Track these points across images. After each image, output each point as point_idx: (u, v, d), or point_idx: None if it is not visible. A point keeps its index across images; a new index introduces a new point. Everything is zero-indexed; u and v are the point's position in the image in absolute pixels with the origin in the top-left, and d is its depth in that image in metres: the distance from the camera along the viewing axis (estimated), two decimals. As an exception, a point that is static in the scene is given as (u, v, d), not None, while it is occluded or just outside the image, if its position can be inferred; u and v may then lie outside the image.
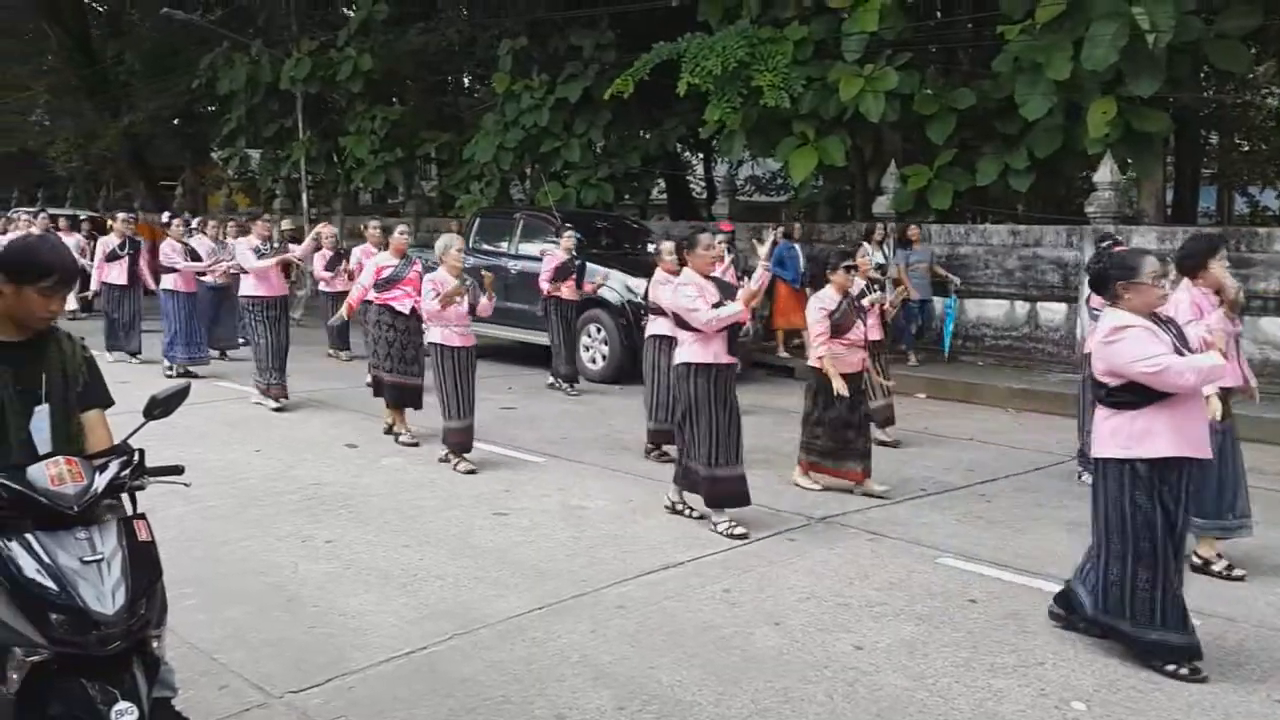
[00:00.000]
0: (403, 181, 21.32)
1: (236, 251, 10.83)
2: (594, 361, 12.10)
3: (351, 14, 21.46)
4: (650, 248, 8.00)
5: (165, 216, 13.08)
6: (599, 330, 12.15)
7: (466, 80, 24.96)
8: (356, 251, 11.73)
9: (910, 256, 13.02)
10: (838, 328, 6.99)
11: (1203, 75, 14.90)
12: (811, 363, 7.19)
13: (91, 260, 14.35)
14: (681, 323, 6.27)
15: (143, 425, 3.29)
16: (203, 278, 12.63)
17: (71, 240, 16.64)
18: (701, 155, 24.82)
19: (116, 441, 3.24)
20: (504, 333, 13.06)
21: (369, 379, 10.35)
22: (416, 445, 8.40)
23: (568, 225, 12.06)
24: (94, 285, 13.50)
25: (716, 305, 6.11)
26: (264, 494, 6.92)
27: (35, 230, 14.32)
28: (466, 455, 7.70)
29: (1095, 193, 12.23)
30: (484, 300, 7.83)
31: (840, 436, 7.08)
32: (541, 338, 12.31)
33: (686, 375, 6.23)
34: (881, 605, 5.05)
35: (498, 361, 12.83)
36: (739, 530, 6.10)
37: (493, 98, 18.93)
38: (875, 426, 8.04)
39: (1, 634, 2.82)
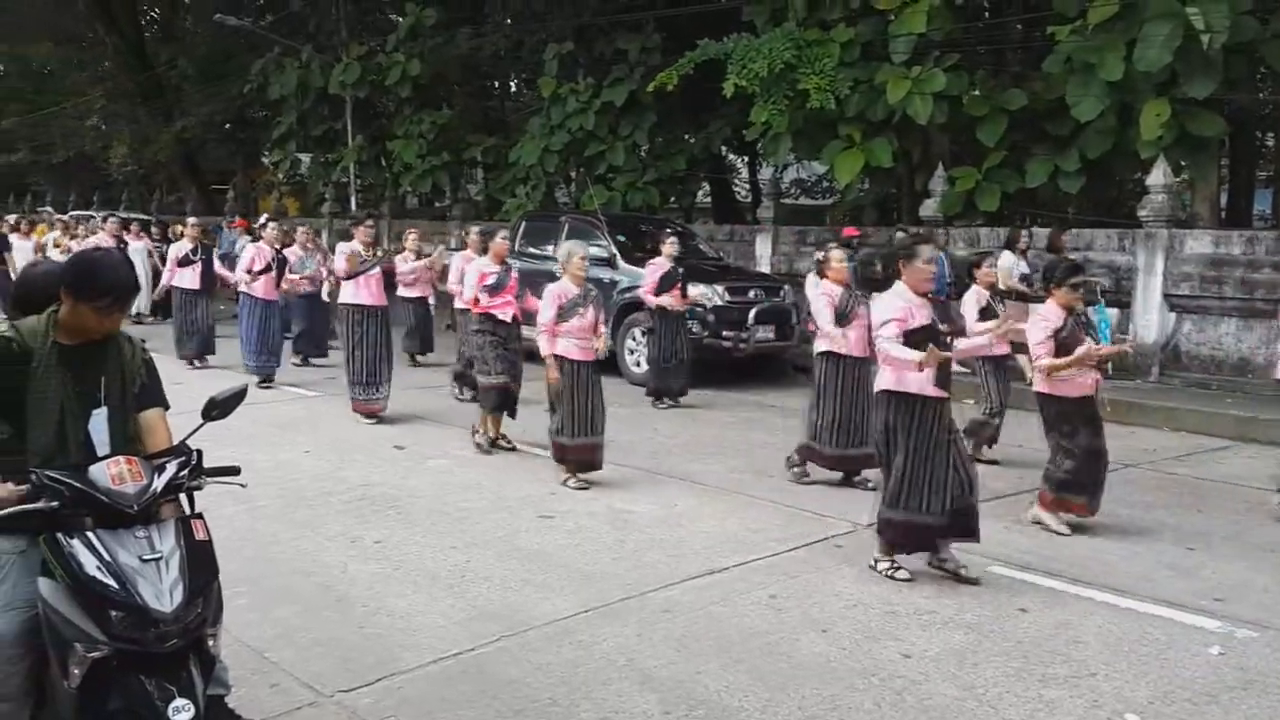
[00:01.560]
0: (449, 185, 21.50)
1: (336, 256, 10.30)
2: (638, 365, 12.10)
3: (400, 20, 21.66)
4: (818, 255, 7.65)
5: (263, 219, 12.78)
6: (643, 333, 12.14)
7: (513, 85, 25.10)
8: (456, 258, 11.14)
9: None
10: (1064, 347, 6.18)
11: (1259, 76, 14.62)
12: (1037, 388, 6.41)
13: (162, 264, 14.57)
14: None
15: (201, 426, 3.35)
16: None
17: (140, 244, 16.85)
18: (746, 158, 24.77)
19: (175, 441, 3.31)
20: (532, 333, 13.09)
21: (456, 388, 10.48)
22: (490, 454, 8.27)
23: (669, 230, 11.63)
24: (161, 286, 13.51)
25: (924, 330, 5.30)
26: (313, 494, 7.00)
27: (106, 234, 14.49)
28: (582, 475, 7.29)
29: (1148, 195, 12.04)
30: (601, 327, 7.39)
31: (1090, 466, 6.30)
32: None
33: (885, 405, 5.47)
34: (930, 613, 5.00)
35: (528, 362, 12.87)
36: (903, 575, 5.45)
37: (538, 101, 19.04)
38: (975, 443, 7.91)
39: (64, 630, 2.88)
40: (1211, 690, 4.22)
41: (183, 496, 3.20)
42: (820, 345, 7.35)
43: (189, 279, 12.87)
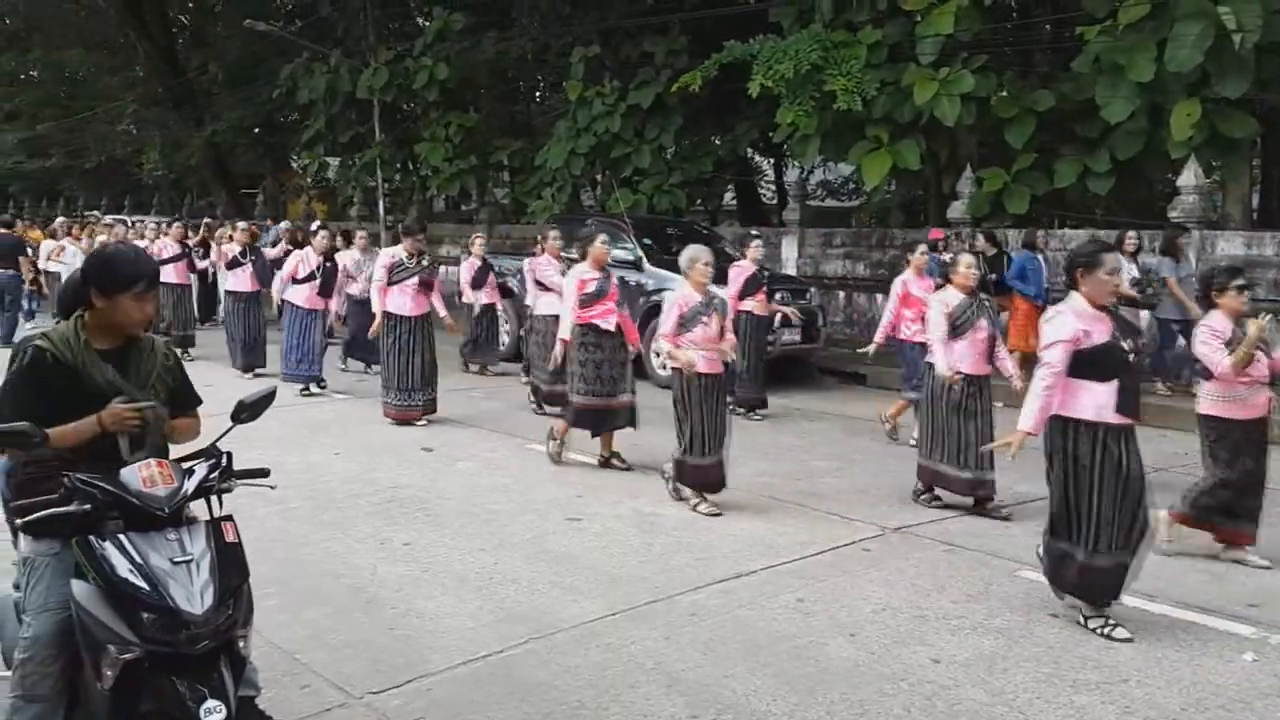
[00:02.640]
0: (476, 188, 21.59)
1: (376, 264, 10.05)
2: (664, 368, 12.08)
3: (427, 24, 21.79)
4: (945, 257, 7.32)
5: (314, 225, 12.38)
6: None
7: (539, 89, 25.17)
8: (526, 263, 10.95)
9: (1179, 269, 10.87)
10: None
11: (1292, 75, 14.44)
12: (1204, 410, 5.87)
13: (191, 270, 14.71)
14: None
15: (230, 429, 3.39)
16: (348, 291, 12.22)
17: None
18: (772, 160, 24.73)
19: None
20: None
21: (531, 397, 10.24)
22: (560, 463, 7.95)
23: (753, 234, 11.21)
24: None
25: (1104, 349, 4.77)
26: (343, 496, 7.05)
27: (171, 239, 14.59)
28: (709, 496, 6.79)
29: (1178, 196, 11.93)
30: (728, 344, 6.98)
31: (1246, 495, 5.83)
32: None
33: (1062, 432, 4.88)
34: (959, 618, 4.97)
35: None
36: (1121, 634, 4.77)
37: (565, 104, 19.08)
38: None
39: (97, 632, 2.91)
40: (1245, 697, 4.18)
41: (213, 498, 3.24)
42: (933, 357, 6.87)
43: (240, 281, 12.60)
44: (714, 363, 6.80)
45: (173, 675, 2.92)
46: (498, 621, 4.87)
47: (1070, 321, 4.78)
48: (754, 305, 10.11)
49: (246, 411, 3.40)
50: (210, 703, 2.89)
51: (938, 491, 6.99)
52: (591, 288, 7.84)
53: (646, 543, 6.12)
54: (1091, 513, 4.79)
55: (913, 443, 8.41)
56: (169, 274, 13.62)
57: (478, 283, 12.44)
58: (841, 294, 15.07)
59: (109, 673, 2.90)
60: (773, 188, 26.00)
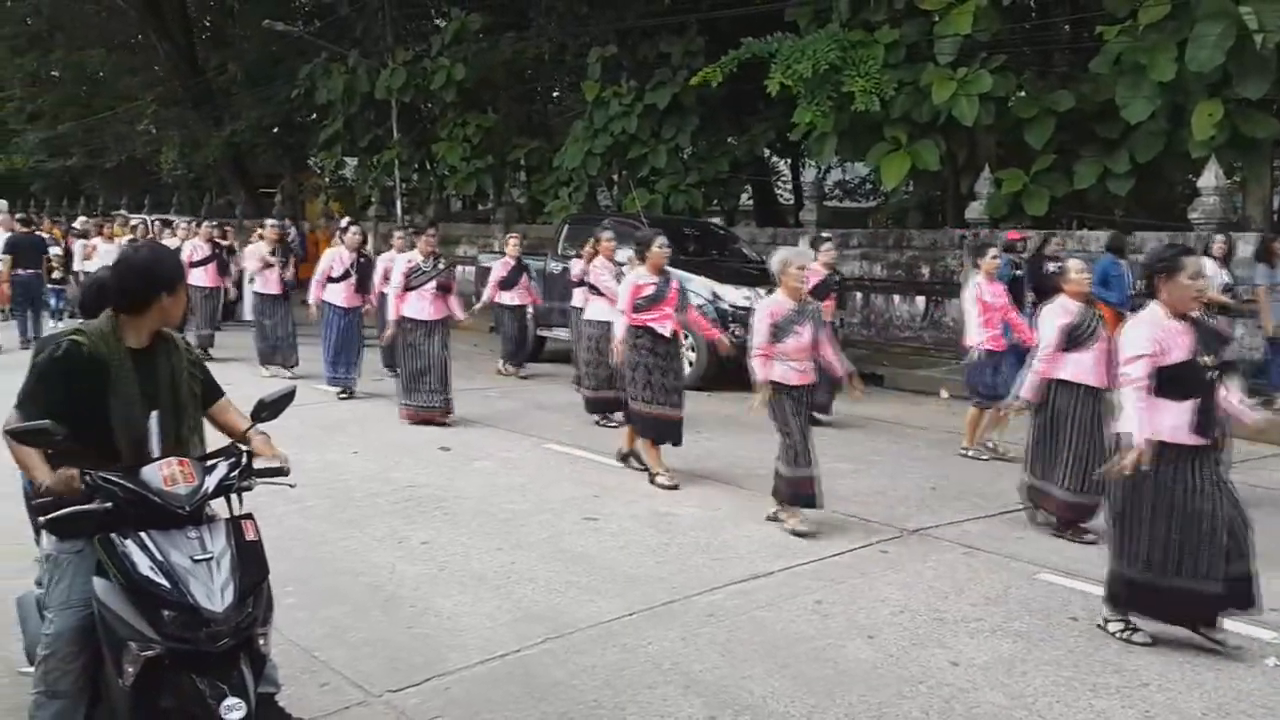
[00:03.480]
0: (493, 188, 21.62)
1: (394, 268, 9.98)
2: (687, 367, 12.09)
3: (445, 25, 21.85)
4: (1051, 266, 6.82)
5: (344, 223, 12.09)
6: (686, 336, 12.12)
7: (555, 89, 25.21)
8: (576, 265, 10.71)
9: (1276, 275, 10.33)
10: None
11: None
12: None
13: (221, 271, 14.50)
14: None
15: (250, 428, 3.41)
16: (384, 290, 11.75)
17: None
18: (789, 160, 24.69)
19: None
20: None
21: (583, 400, 9.94)
22: (676, 488, 7.33)
23: (825, 236, 10.90)
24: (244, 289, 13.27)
25: (1185, 367, 4.53)
26: (362, 495, 7.07)
27: (201, 239, 14.37)
28: (803, 511, 6.42)
29: (1199, 198, 11.85)
30: (833, 357, 6.65)
31: None
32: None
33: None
34: (978, 621, 4.95)
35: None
36: (1141, 638, 4.72)
37: (581, 105, 19.10)
38: None
39: (118, 629, 2.94)
40: (1267, 702, 4.15)
41: (233, 496, 3.26)
42: (1056, 370, 6.38)
43: (268, 283, 12.49)
44: (806, 374, 6.44)
45: (193, 672, 2.94)
46: (515, 621, 4.87)
47: (1149, 334, 4.56)
48: (825, 310, 9.65)
49: (267, 410, 3.42)
50: (230, 700, 2.91)
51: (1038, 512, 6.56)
52: (649, 292, 7.55)
53: (663, 543, 6.11)
54: (1155, 534, 4.60)
55: (985, 457, 8.36)
56: (199, 277, 13.59)
57: (510, 283, 12.28)
58: (859, 295, 15.03)
59: (130, 669, 2.92)
60: (789, 188, 25.96)
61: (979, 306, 8.20)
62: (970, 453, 8.44)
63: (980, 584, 5.48)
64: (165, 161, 29.91)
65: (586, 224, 14.46)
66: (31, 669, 3.30)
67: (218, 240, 14.77)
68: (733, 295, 11.81)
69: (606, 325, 8.98)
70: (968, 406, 8.67)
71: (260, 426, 3.44)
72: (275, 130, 28.63)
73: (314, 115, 25.53)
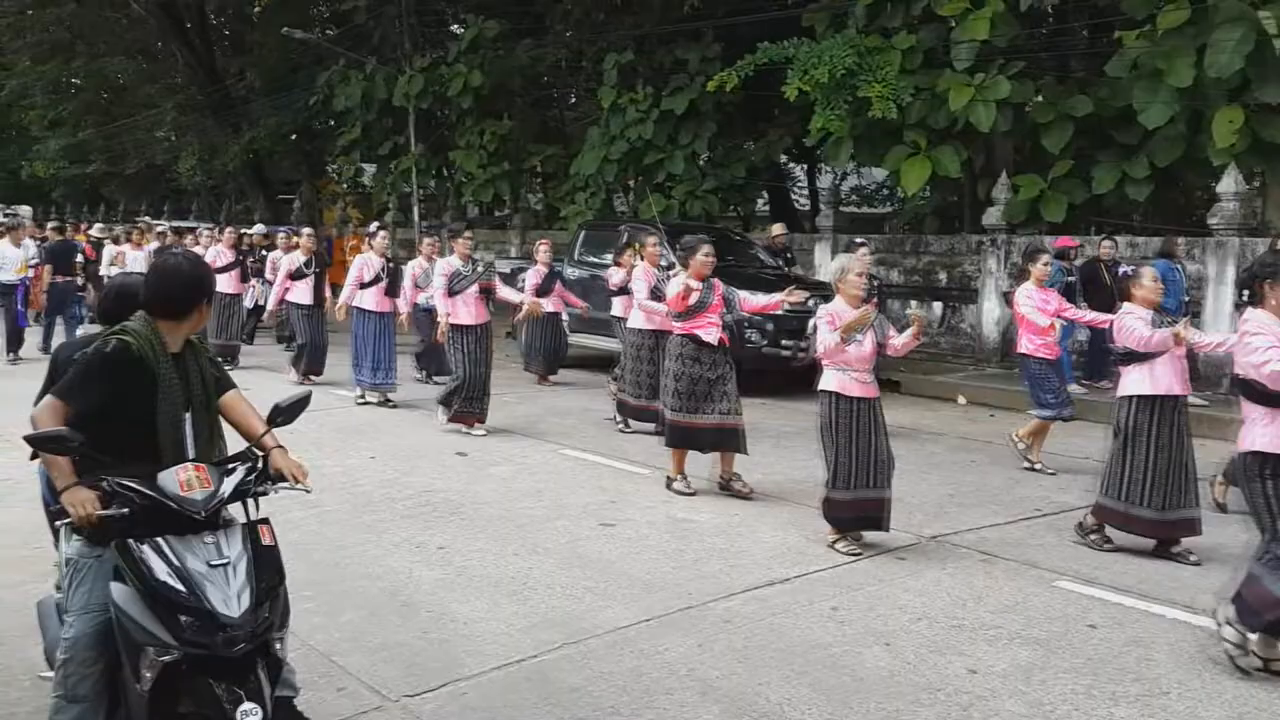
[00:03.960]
0: (509, 194, 21.70)
1: (434, 273, 9.78)
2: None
3: (462, 31, 21.94)
4: (1122, 270, 6.46)
5: (373, 227, 11.92)
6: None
7: (572, 95, 25.28)
8: (617, 273, 10.38)
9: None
10: None
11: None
12: None
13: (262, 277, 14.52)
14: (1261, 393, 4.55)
15: (266, 432, 3.42)
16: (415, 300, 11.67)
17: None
18: (805, 166, 24.67)
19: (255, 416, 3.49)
20: (599, 343, 13.09)
21: (618, 414, 9.75)
22: (693, 494, 7.29)
23: (860, 241, 10.45)
24: (271, 304, 13.04)
25: None
26: (379, 500, 7.09)
27: (224, 246, 14.22)
28: (856, 536, 6.12)
29: (1218, 203, 11.78)
30: (904, 338, 6.24)
31: None
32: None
33: (1258, 472, 4.51)
34: (996, 628, 4.93)
35: (594, 370, 12.90)
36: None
37: (598, 111, 19.13)
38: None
39: (136, 634, 2.95)
40: (1290, 712, 4.11)
41: (250, 501, 3.28)
42: (1130, 384, 6.03)
43: (303, 293, 12.23)
44: (868, 386, 6.10)
45: (210, 677, 2.95)
46: (532, 626, 4.87)
47: (1269, 339, 4.45)
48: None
49: (282, 415, 3.43)
50: (247, 705, 2.92)
51: (1109, 531, 6.22)
52: (694, 299, 7.30)
53: (679, 548, 6.10)
54: None
55: (1039, 466, 8.13)
56: (222, 283, 13.21)
57: (544, 290, 11.96)
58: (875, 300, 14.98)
59: (147, 674, 2.94)
60: (805, 193, 25.94)
61: (1028, 314, 7.95)
62: (1038, 467, 8.14)
63: (998, 591, 5.45)
64: (185, 168, 30.11)
65: (602, 230, 14.52)
66: (51, 673, 3.32)
67: (239, 246, 14.68)
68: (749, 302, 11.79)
69: (653, 334, 9.12)
70: (1030, 418, 8.32)
71: (277, 433, 3.45)
72: (293, 137, 28.80)
73: (332, 122, 25.69)
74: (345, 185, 28.09)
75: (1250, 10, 10.79)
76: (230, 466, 3.26)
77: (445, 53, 21.40)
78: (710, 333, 7.34)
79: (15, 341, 13.59)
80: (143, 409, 3.17)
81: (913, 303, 11.16)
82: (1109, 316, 6.87)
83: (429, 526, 6.48)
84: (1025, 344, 8.13)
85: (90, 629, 3.13)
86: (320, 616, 4.92)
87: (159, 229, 20.10)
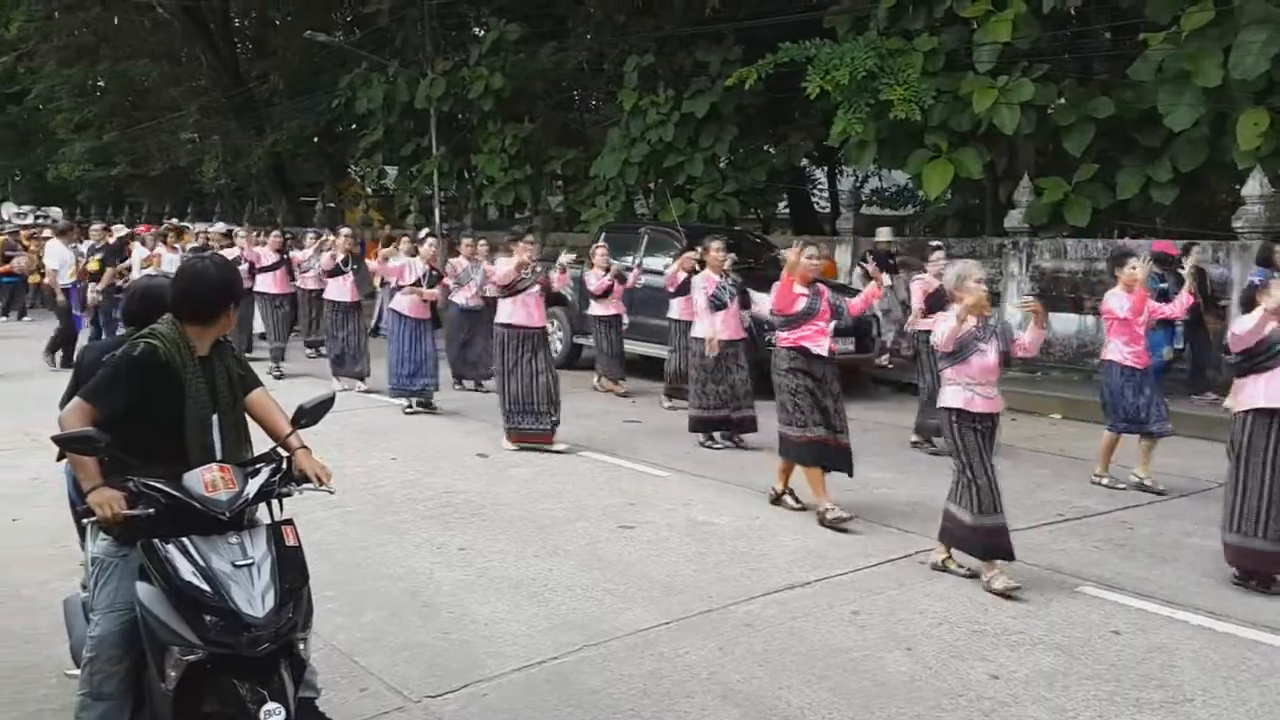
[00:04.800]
0: (530, 197, 21.74)
1: (495, 271, 9.25)
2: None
3: (483, 34, 22.00)
4: (1249, 279, 6.10)
5: (423, 233, 11.52)
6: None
7: (594, 100, 25.31)
8: (698, 280, 9.27)
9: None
10: None
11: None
12: None
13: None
14: None
15: (291, 433, 3.44)
16: (453, 299, 11.80)
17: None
18: (825, 168, 24.61)
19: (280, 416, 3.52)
20: (627, 346, 13.08)
21: (708, 438, 9.16)
22: (851, 519, 6.62)
23: (936, 245, 10.14)
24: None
25: None
26: (400, 501, 7.12)
27: (269, 248, 13.68)
28: (999, 564, 5.53)
29: (1243, 206, 11.68)
30: (1029, 333, 5.81)
31: None
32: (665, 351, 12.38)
33: None
34: (1018, 634, 4.90)
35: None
36: None
37: (618, 113, 19.15)
38: None
39: (161, 633, 2.97)
40: (1316, 720, 4.07)
41: (274, 502, 3.30)
42: (1246, 397, 5.64)
43: (340, 291, 11.91)
44: (992, 399, 5.61)
45: (234, 677, 2.97)
46: (552, 628, 4.88)
47: None
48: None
49: (306, 416, 3.45)
50: (270, 705, 2.94)
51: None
52: (800, 306, 6.78)
53: (700, 551, 6.10)
54: None
55: (1105, 481, 7.77)
56: (266, 283, 13.34)
57: (604, 292, 11.75)
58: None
59: (172, 673, 2.96)
60: (825, 196, 25.88)
61: (1113, 320, 7.60)
62: (1104, 481, 7.81)
63: (1021, 596, 5.41)
64: (208, 171, 30.33)
65: (623, 232, 14.52)
66: (77, 671, 3.35)
67: (284, 248, 14.12)
68: (768, 305, 11.77)
69: (722, 342, 8.79)
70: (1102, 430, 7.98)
71: (302, 435, 3.47)
72: (316, 140, 28.94)
73: (354, 125, 25.79)
74: (368, 188, 28.20)
75: (1276, 12, 10.70)
76: (255, 468, 3.29)
77: (467, 55, 21.46)
78: (819, 343, 6.80)
79: (66, 343, 12.95)
80: (170, 412, 3.20)
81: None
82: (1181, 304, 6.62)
83: (450, 527, 6.50)
84: (1112, 351, 7.67)
85: (116, 628, 3.16)
86: (342, 616, 4.95)
87: (198, 230, 20.09)
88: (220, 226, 19.84)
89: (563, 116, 23.70)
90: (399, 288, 10.73)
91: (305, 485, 3.35)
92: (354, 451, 8.51)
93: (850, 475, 6.86)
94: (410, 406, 10.49)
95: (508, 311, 8.83)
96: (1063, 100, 13.54)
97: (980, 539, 5.52)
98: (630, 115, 18.31)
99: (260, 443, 3.50)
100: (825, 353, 6.81)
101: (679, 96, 17.89)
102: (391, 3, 23.24)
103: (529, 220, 21.85)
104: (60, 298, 13.59)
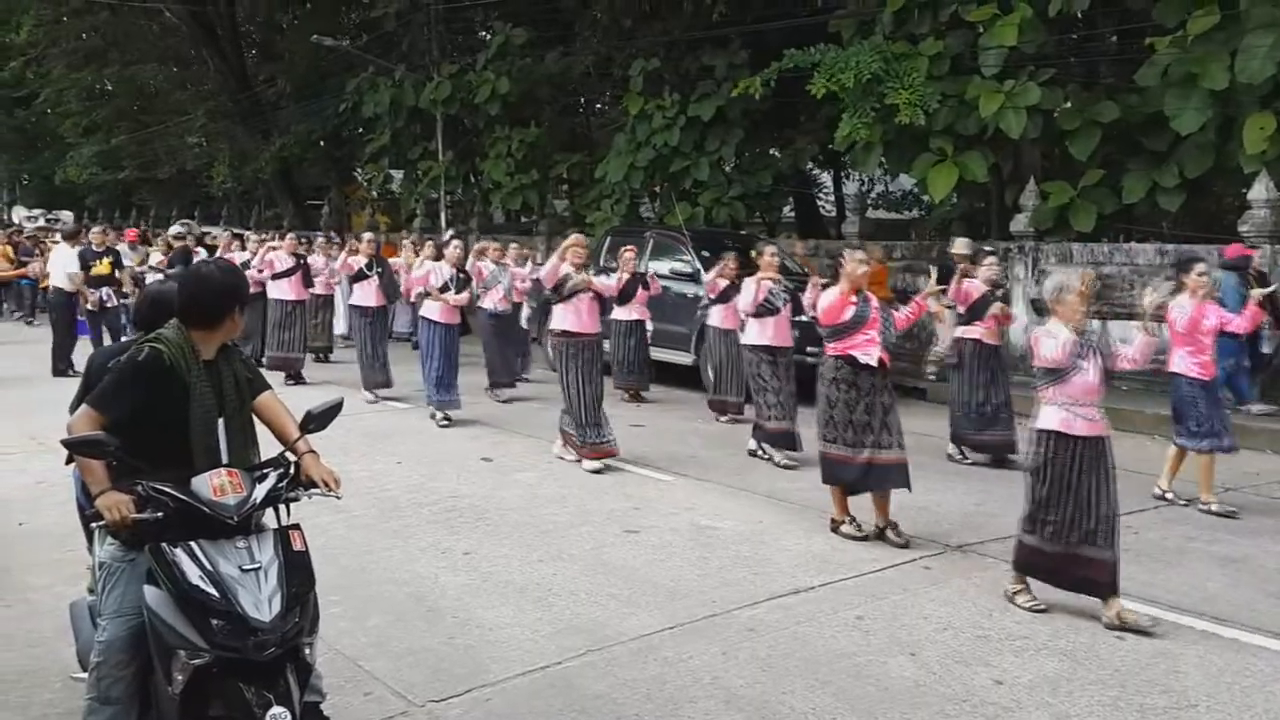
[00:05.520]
0: (537, 202, 21.79)
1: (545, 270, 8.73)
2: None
3: (490, 38, 22.05)
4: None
5: (447, 235, 11.22)
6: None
7: (600, 104, 25.34)
8: (749, 284, 8.91)
9: None
10: None
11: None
12: None
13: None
14: None
15: (299, 438, 3.46)
16: (481, 304, 11.68)
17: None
18: (831, 171, 24.62)
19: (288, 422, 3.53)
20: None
21: (754, 441, 8.88)
22: (867, 538, 6.41)
23: (989, 250, 9.82)
24: (340, 315, 12.39)
25: None
26: (405, 505, 7.14)
27: (285, 251, 13.27)
28: (1121, 601, 5.14)
29: (1249, 210, 11.66)
30: (1137, 345, 5.46)
31: None
32: (674, 355, 12.40)
33: None
34: (1023, 639, 4.90)
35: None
36: None
37: (624, 117, 19.17)
38: None
39: (168, 637, 2.99)
40: (1320, 726, 4.07)
41: (281, 507, 3.32)
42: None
43: (366, 296, 11.77)
44: (1095, 422, 5.21)
45: (240, 681, 2.99)
46: (556, 633, 4.90)
47: None
48: (982, 332, 8.58)
49: (314, 422, 3.47)
50: (276, 709, 2.96)
51: None
52: (849, 314, 6.45)
53: (704, 556, 6.11)
54: None
55: (1170, 495, 7.54)
56: (283, 289, 12.92)
57: (626, 296, 10.93)
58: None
59: (179, 677, 2.98)
60: (831, 199, 25.88)
61: (1178, 328, 7.25)
62: (1168, 496, 7.59)
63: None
64: (216, 175, 30.41)
65: (627, 236, 14.53)
66: (84, 675, 3.37)
67: (299, 251, 13.68)
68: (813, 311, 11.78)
69: (774, 350, 8.66)
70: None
71: (310, 439, 3.49)
72: (322, 143, 29.01)
73: (360, 129, 25.85)
74: (375, 192, 28.26)
75: (1282, 16, 10.69)
76: (263, 472, 3.31)
77: (473, 60, 21.50)
78: (869, 353, 6.41)
79: (61, 350, 12.89)
80: (175, 416, 3.22)
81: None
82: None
83: (454, 532, 6.52)
84: (1179, 362, 7.35)
85: (124, 632, 3.18)
86: (347, 621, 4.97)
87: (231, 233, 19.77)
88: (176, 229, 19.82)
89: (569, 121, 23.75)
90: (425, 295, 10.41)
91: (313, 490, 3.37)
92: (359, 455, 8.54)
93: (909, 490, 6.45)
94: (445, 419, 10.13)
95: (560, 317, 8.47)
96: (1069, 104, 13.53)
97: (1050, 563, 5.22)
98: (636, 119, 18.33)
99: (270, 446, 3.52)
100: (874, 363, 6.41)
101: (685, 101, 17.91)
102: (398, 7, 23.31)
103: (535, 224, 21.90)
104: (92, 297, 13.23)
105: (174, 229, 19.93)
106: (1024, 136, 13.13)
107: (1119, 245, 13.58)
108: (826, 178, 25.80)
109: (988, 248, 10.92)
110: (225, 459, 3.28)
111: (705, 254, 12.88)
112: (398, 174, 25.88)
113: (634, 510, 7.11)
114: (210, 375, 3.31)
